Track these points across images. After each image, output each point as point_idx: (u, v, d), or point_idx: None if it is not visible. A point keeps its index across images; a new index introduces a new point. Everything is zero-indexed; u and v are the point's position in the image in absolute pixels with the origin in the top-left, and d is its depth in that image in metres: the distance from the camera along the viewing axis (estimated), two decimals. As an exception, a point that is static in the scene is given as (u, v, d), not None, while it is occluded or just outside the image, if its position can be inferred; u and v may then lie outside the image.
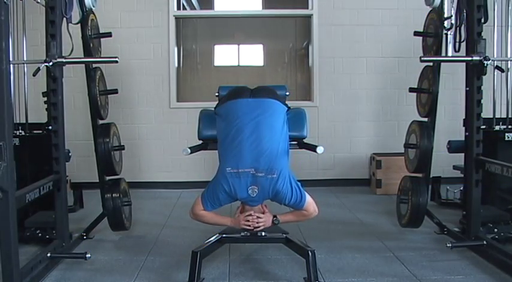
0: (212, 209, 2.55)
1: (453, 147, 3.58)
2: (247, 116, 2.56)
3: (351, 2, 5.08)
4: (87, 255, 2.67)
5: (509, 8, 3.88)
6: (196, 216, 2.58)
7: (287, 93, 3.01)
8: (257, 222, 2.58)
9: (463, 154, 3.12)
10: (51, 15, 2.80)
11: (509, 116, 3.75)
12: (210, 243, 2.63)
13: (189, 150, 2.75)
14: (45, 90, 3.41)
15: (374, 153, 4.99)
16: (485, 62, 2.81)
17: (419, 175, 3.29)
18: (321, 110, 5.10)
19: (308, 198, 2.53)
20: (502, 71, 3.15)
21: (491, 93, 3.84)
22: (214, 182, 2.53)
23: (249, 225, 2.59)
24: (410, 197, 3.19)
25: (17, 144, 3.27)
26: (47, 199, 2.85)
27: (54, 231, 3.02)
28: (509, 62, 3.81)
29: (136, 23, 5.01)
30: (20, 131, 3.57)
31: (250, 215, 2.59)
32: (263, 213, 2.61)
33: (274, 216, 2.61)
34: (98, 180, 3.39)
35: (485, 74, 2.89)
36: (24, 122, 3.62)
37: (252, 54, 5.49)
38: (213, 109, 2.80)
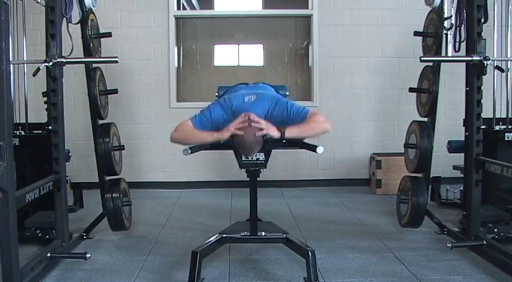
0: (201, 126, 2.34)
1: (453, 147, 3.58)
2: (245, 89, 2.64)
3: (351, 2, 5.09)
4: (87, 255, 2.68)
5: (509, 8, 3.88)
6: (179, 132, 2.36)
7: (287, 93, 3.02)
8: (257, 121, 2.24)
9: (463, 154, 3.13)
10: (51, 15, 2.80)
11: (509, 116, 3.75)
12: (210, 243, 2.62)
13: (189, 151, 2.74)
14: (45, 90, 3.41)
15: (374, 153, 4.99)
16: (485, 62, 2.81)
17: (419, 175, 3.29)
18: (321, 110, 5.07)
19: (312, 110, 2.35)
20: (502, 71, 3.15)
21: (491, 93, 3.84)
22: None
23: (243, 129, 2.23)
24: (410, 197, 3.19)
25: (17, 144, 3.27)
26: (47, 199, 2.85)
27: (54, 231, 3.01)
28: (509, 62, 3.81)
29: (137, 23, 5.01)
30: (20, 131, 3.57)
31: (246, 115, 2.23)
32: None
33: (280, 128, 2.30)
34: (98, 180, 3.39)
35: (485, 74, 2.89)
36: (24, 122, 3.61)
37: (252, 54, 5.49)
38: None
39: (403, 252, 2.95)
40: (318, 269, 2.57)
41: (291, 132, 2.30)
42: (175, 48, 5.17)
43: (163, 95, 5.10)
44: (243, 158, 2.59)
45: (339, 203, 4.45)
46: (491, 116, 3.74)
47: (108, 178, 3.38)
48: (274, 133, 2.28)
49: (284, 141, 2.34)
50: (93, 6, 3.28)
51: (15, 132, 3.44)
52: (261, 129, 2.25)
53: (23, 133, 3.56)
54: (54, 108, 2.85)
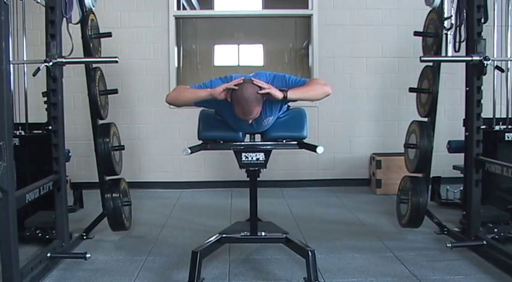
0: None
1: (453, 147, 3.58)
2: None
3: (351, 2, 5.09)
4: (87, 255, 2.68)
5: (509, 8, 3.88)
6: (175, 92, 2.40)
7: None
8: (258, 83, 2.21)
9: (463, 154, 3.13)
10: (51, 15, 2.80)
11: (509, 116, 3.75)
12: (210, 243, 2.63)
13: (189, 151, 2.74)
14: (45, 90, 3.41)
15: (374, 153, 4.99)
16: (485, 62, 2.81)
17: (419, 175, 3.29)
18: (321, 110, 5.10)
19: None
20: (502, 71, 3.15)
21: (491, 93, 3.85)
22: None
23: (239, 85, 2.20)
24: (410, 197, 3.19)
25: (17, 144, 3.27)
26: (47, 199, 2.85)
27: (54, 231, 3.01)
28: (509, 62, 3.81)
29: (137, 23, 5.01)
30: (20, 131, 3.57)
31: (243, 79, 2.24)
32: None
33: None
34: (98, 180, 3.38)
35: (485, 74, 2.89)
36: (24, 122, 3.62)
37: (252, 54, 5.49)
38: (213, 109, 2.80)
39: (403, 252, 2.95)
40: (318, 269, 2.57)
41: (294, 94, 2.26)
42: (175, 48, 5.16)
43: (163, 95, 5.05)
44: (243, 158, 2.60)
45: (339, 203, 4.45)
46: (491, 116, 3.74)
47: (108, 178, 3.38)
48: (277, 93, 2.23)
49: (287, 102, 2.32)
50: (93, 6, 3.28)
51: (15, 132, 3.44)
52: (261, 85, 2.22)
53: (23, 133, 3.56)
54: (54, 108, 2.85)
